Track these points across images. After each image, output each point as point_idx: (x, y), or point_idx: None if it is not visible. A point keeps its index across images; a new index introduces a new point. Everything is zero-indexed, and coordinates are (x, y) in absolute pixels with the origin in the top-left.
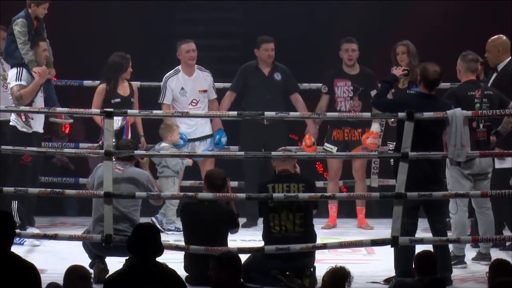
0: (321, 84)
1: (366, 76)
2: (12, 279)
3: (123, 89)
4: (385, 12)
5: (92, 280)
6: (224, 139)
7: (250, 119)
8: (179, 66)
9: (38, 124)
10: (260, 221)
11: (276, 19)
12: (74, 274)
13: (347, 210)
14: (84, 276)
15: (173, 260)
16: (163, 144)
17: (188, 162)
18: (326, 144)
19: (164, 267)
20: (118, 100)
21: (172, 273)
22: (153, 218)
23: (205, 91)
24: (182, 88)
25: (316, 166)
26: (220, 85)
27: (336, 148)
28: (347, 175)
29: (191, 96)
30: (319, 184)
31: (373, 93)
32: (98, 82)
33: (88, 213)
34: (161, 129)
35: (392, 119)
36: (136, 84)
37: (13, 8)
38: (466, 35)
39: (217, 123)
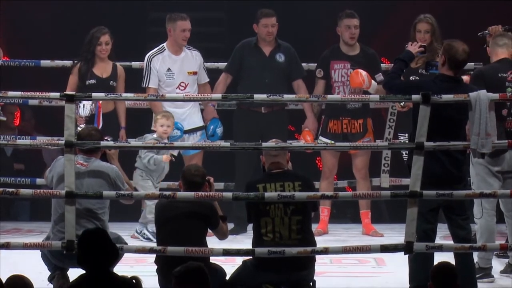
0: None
1: (368, 57)
2: None
3: (102, 69)
4: None
5: None
6: (219, 130)
7: (245, 107)
8: (164, 44)
9: None
10: (250, 226)
11: None
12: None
13: (351, 214)
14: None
15: (145, 273)
16: (146, 135)
17: (160, 158)
18: (321, 138)
19: (121, 278)
20: (93, 81)
21: (133, 285)
22: (135, 233)
23: (194, 73)
24: (169, 69)
25: (317, 162)
26: (215, 65)
27: (333, 142)
28: (351, 174)
29: (179, 78)
30: (317, 185)
31: (378, 77)
32: (58, 62)
33: (48, 217)
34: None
35: (402, 103)
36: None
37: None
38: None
39: (210, 112)
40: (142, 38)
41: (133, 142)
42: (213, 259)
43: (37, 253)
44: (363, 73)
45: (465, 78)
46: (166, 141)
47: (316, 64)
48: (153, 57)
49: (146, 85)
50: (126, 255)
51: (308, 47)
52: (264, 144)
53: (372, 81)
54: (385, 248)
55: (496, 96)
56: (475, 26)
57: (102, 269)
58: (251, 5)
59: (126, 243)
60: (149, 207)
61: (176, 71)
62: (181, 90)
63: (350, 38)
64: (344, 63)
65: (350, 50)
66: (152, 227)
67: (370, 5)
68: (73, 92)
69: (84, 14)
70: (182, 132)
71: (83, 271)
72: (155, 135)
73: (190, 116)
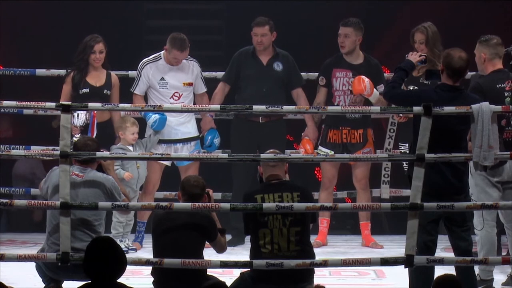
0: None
1: (371, 67)
2: None
3: (96, 78)
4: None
5: None
6: (217, 141)
7: (243, 117)
8: (161, 53)
9: None
10: (248, 238)
11: None
12: None
13: (351, 226)
14: None
15: (142, 285)
16: (112, 146)
17: (122, 174)
18: (320, 147)
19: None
20: (86, 90)
21: None
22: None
23: (190, 84)
24: (162, 79)
25: (316, 172)
26: (212, 74)
27: (332, 152)
28: (351, 185)
29: (172, 88)
30: (317, 195)
31: (380, 88)
32: (53, 71)
33: (43, 228)
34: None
35: (400, 114)
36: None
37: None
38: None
39: (208, 122)
40: (138, 46)
41: (129, 153)
42: (210, 271)
43: (31, 266)
44: (366, 79)
45: None
46: (131, 148)
47: (314, 72)
48: (146, 64)
49: (133, 90)
50: None
51: (308, 56)
52: (263, 156)
53: (374, 89)
54: (385, 261)
55: (498, 108)
56: (479, 31)
57: (107, 279)
58: (250, 12)
59: None
60: (113, 222)
61: (170, 80)
62: (175, 100)
63: (340, 46)
64: (346, 71)
65: (353, 59)
66: (121, 241)
67: (371, 12)
68: (69, 102)
69: (79, 22)
70: (161, 115)
71: (78, 284)
72: (119, 144)
73: (184, 125)
